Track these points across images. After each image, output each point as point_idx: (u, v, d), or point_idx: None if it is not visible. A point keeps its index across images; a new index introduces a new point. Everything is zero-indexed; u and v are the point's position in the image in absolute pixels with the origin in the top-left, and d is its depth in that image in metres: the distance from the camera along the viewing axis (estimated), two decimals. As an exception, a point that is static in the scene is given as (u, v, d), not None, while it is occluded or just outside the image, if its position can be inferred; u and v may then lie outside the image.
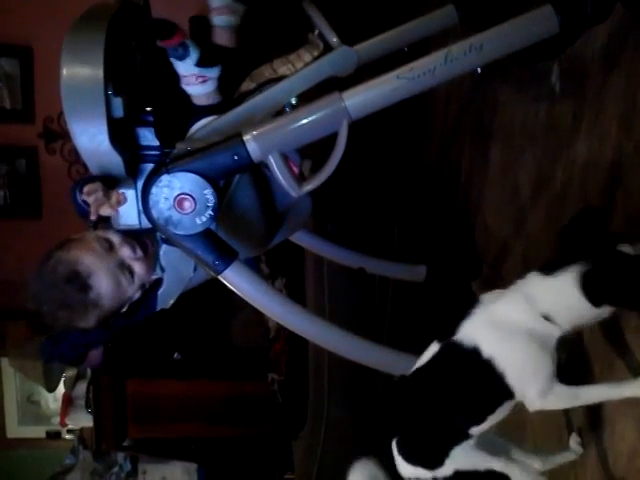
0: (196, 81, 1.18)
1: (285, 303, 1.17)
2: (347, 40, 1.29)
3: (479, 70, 1.07)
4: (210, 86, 1.21)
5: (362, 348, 1.19)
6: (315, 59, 1.28)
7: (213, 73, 1.19)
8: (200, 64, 1.17)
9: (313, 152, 1.21)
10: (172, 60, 1.18)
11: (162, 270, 1.26)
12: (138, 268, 1.18)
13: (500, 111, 1.58)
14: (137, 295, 1.22)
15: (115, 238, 1.16)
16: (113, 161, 1.01)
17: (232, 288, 1.15)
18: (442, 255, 1.72)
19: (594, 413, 1.12)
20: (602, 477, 1.11)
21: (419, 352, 1.18)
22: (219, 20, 1.22)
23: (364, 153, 1.39)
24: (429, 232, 1.84)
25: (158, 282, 1.29)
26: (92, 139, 0.97)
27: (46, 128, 3.18)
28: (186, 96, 1.24)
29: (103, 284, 1.14)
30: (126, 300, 1.21)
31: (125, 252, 1.16)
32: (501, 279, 1.53)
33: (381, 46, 1.34)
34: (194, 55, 1.16)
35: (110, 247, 1.15)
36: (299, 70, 1.24)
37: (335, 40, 1.24)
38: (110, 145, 0.97)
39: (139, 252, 1.17)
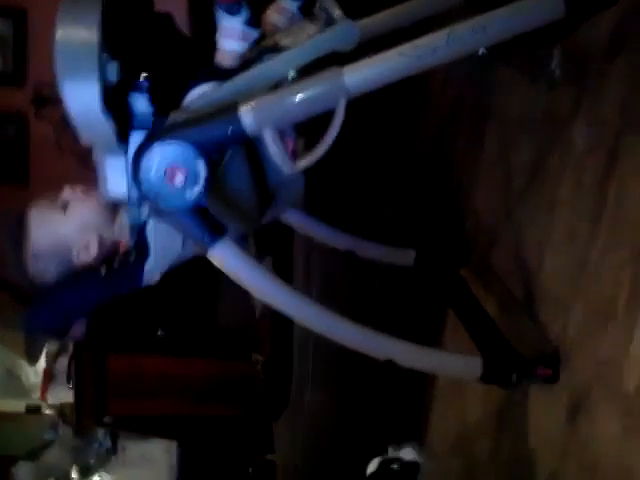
0: (238, 37, 1.17)
1: (274, 283, 1.16)
2: (351, 15, 1.27)
3: (484, 51, 1.05)
4: (245, 46, 1.20)
5: (350, 331, 1.18)
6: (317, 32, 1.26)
7: (254, 34, 1.19)
8: (249, 23, 1.17)
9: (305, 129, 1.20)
10: (219, 13, 1.17)
11: (141, 241, 1.23)
12: (77, 203, 1.20)
13: (498, 94, 1.57)
14: (81, 244, 1.22)
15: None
16: (104, 127, 0.98)
17: (219, 266, 1.14)
18: (431, 239, 1.72)
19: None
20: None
21: (405, 336, 1.18)
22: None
23: (356, 132, 1.37)
24: (419, 215, 1.83)
25: (144, 256, 1.26)
26: (84, 103, 0.95)
27: (37, 93, 3.12)
28: (186, 61, 1.22)
29: (33, 217, 1.19)
30: (61, 242, 1.20)
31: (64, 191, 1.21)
32: (490, 266, 1.52)
33: (384, 23, 1.32)
34: (244, 14, 1.16)
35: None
36: (301, 43, 1.22)
37: (338, 13, 1.22)
38: (102, 110, 0.95)
39: (79, 189, 1.22)
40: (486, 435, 1.49)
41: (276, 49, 1.22)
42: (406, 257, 1.66)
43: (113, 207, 1.24)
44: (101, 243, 1.24)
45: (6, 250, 1.21)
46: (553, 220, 1.27)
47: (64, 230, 1.20)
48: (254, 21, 1.19)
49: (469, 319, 1.40)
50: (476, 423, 1.53)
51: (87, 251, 1.23)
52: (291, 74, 1.16)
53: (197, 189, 1.04)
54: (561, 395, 1.20)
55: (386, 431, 1.91)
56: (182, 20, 1.34)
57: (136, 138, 1.07)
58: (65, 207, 1.21)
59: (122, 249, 1.27)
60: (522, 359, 1.22)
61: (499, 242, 1.49)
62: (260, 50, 1.23)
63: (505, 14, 1.04)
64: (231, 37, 1.18)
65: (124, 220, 1.24)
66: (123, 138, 1.06)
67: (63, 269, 1.23)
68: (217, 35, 1.19)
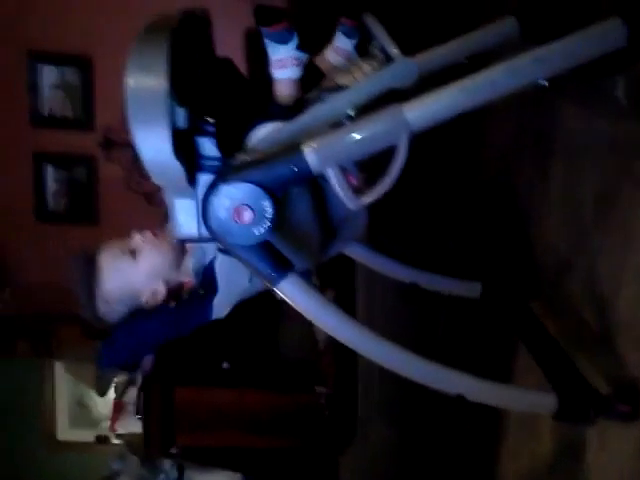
0: (292, 64, 1.20)
1: (340, 317, 1.16)
2: (406, 52, 1.28)
3: (546, 83, 1.04)
4: (299, 71, 1.23)
5: (416, 365, 1.17)
6: (374, 71, 1.27)
7: (305, 57, 1.22)
8: (299, 47, 1.20)
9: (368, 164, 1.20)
10: (270, 45, 1.20)
11: (210, 277, 1.26)
12: (146, 251, 1.25)
13: (561, 125, 1.54)
14: (153, 290, 1.27)
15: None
16: (175, 171, 1.02)
17: (287, 300, 1.15)
18: (498, 272, 1.69)
19: None
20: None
21: (472, 371, 1.16)
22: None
23: (420, 166, 1.37)
24: (485, 248, 1.80)
25: (212, 292, 1.29)
26: (155, 149, 0.98)
27: (105, 137, 3.27)
28: (248, 103, 1.25)
29: (104, 260, 1.24)
30: (131, 288, 1.25)
31: (134, 238, 1.26)
32: (562, 299, 1.48)
33: (440, 58, 1.32)
34: (295, 38, 1.19)
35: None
36: (359, 81, 1.24)
37: (395, 51, 1.23)
38: (173, 155, 0.98)
39: (149, 235, 1.26)
40: (559, 473, 1.43)
41: (335, 89, 1.25)
42: (473, 290, 1.63)
43: (180, 250, 1.29)
44: (168, 287, 1.29)
45: (78, 290, 1.27)
46: (628, 250, 1.23)
47: (134, 277, 1.26)
48: (304, 42, 1.21)
49: (541, 353, 1.36)
50: (548, 460, 1.48)
51: (155, 297, 1.28)
52: (350, 112, 1.18)
53: (264, 226, 1.06)
54: (641, 433, 1.14)
55: (454, 469, 1.86)
56: (240, 63, 1.38)
57: (204, 180, 1.10)
58: (134, 253, 1.26)
59: (186, 288, 1.31)
60: (599, 395, 1.17)
61: (571, 273, 1.45)
62: (321, 90, 1.25)
63: (566, 44, 1.03)
64: (285, 66, 1.21)
65: (189, 262, 1.28)
66: (191, 180, 1.09)
67: (132, 310, 1.29)
68: (270, 68, 1.22)
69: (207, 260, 1.28)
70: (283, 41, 1.18)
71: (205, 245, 1.28)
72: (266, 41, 1.20)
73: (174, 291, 1.31)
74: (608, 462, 1.24)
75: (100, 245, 1.29)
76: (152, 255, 1.27)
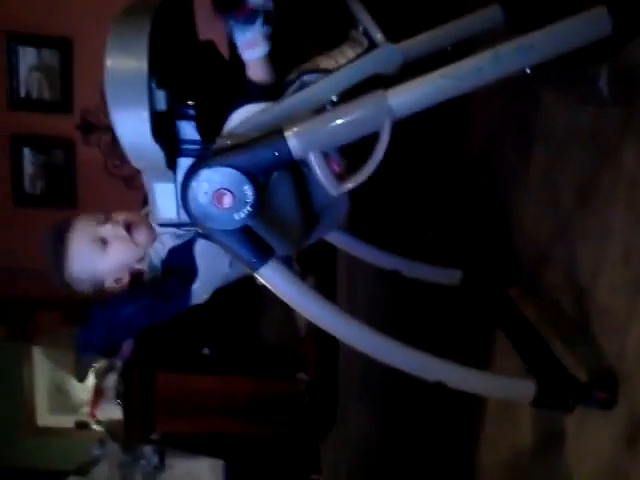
0: (262, 41, 1.15)
1: (321, 303, 1.16)
2: (391, 38, 1.27)
3: (529, 71, 1.04)
4: (269, 44, 1.18)
5: (396, 352, 1.17)
6: (358, 56, 1.26)
7: (270, 29, 1.17)
8: (265, 21, 1.15)
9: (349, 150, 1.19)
10: (238, 29, 1.16)
11: (190, 262, 1.26)
12: (116, 246, 1.26)
13: (543, 113, 1.54)
14: (112, 277, 1.29)
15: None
16: (154, 154, 1.00)
17: (268, 285, 1.14)
18: (478, 259, 1.69)
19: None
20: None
21: (451, 358, 1.16)
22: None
23: (400, 153, 1.37)
24: (465, 235, 1.81)
25: (192, 276, 1.28)
26: (134, 132, 0.97)
27: (84, 120, 3.22)
28: (229, 86, 1.23)
29: (74, 242, 1.25)
30: (96, 274, 1.27)
31: (106, 227, 1.26)
32: (541, 286, 1.49)
33: (425, 45, 1.31)
34: (260, 15, 1.15)
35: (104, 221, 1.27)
36: (342, 66, 1.23)
37: (380, 37, 1.22)
38: (152, 138, 0.97)
39: (121, 231, 1.26)
40: (539, 461, 1.45)
41: (316, 71, 1.23)
42: (452, 277, 1.63)
43: (150, 241, 1.30)
44: (131, 274, 1.31)
45: (47, 260, 1.28)
46: (607, 238, 1.24)
47: (100, 266, 1.27)
48: (268, 18, 1.17)
49: (520, 340, 1.37)
50: (528, 448, 1.49)
51: (118, 284, 1.31)
52: (333, 97, 1.17)
53: (245, 211, 1.05)
54: (619, 420, 1.16)
55: (434, 457, 1.88)
56: (223, 46, 1.35)
57: (184, 164, 1.09)
58: (105, 242, 1.26)
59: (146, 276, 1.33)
60: (577, 382, 1.18)
61: (550, 261, 1.46)
62: (300, 71, 1.24)
63: (550, 33, 1.03)
64: (256, 44, 1.17)
65: (152, 255, 1.30)
66: (171, 164, 1.08)
67: (95, 288, 1.31)
68: (240, 51, 1.19)
69: (164, 254, 1.29)
70: (251, 22, 1.15)
71: (164, 238, 1.29)
72: (233, 27, 1.16)
73: (134, 276, 1.32)
74: (587, 449, 1.25)
75: (73, 220, 1.29)
76: (121, 251, 1.27)
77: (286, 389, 2.71)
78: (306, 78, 1.23)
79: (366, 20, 1.25)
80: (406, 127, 1.08)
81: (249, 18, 1.13)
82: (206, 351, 3.05)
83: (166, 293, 1.27)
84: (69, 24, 3.12)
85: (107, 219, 1.27)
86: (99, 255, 1.26)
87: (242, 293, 1.79)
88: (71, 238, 1.26)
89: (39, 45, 3.17)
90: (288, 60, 1.27)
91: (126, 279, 1.31)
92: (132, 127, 0.97)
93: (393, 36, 1.27)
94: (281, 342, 2.80)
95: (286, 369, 2.66)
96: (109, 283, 1.30)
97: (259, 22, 1.14)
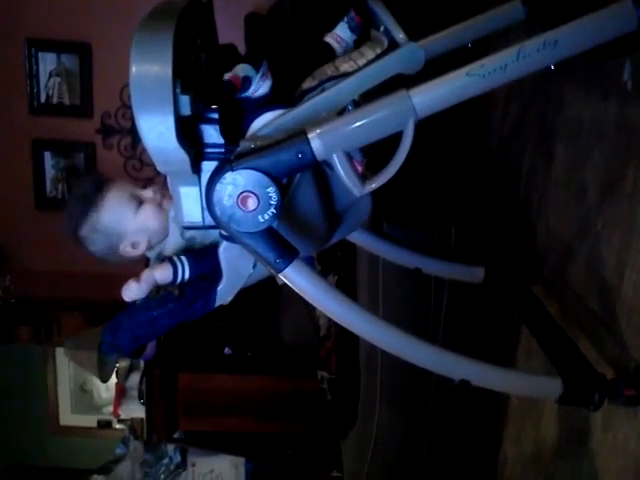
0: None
1: (345, 302, 1.16)
2: (411, 36, 1.27)
3: (552, 67, 1.03)
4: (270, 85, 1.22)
5: (419, 349, 1.17)
6: (378, 56, 1.26)
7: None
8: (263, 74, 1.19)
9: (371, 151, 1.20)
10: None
11: (215, 264, 1.27)
12: (149, 209, 1.29)
13: (565, 109, 1.53)
14: (135, 248, 1.31)
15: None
16: (179, 159, 1.01)
17: (292, 286, 1.15)
18: (501, 257, 1.68)
19: None
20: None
21: (475, 356, 1.16)
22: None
23: (421, 151, 1.37)
24: (488, 232, 1.80)
25: (216, 278, 1.30)
26: (160, 137, 0.97)
27: (104, 124, 3.25)
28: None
29: (111, 194, 1.28)
30: (119, 230, 1.29)
31: (147, 192, 1.31)
32: (565, 283, 1.48)
33: (446, 42, 1.31)
34: (262, 67, 1.19)
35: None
36: (362, 67, 1.23)
37: (402, 36, 1.22)
38: (177, 143, 0.98)
39: (159, 197, 1.31)
40: (563, 460, 1.44)
41: (337, 77, 1.23)
42: (475, 274, 1.63)
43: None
44: (148, 247, 1.33)
45: (72, 210, 1.30)
46: (632, 234, 1.23)
47: (126, 224, 1.29)
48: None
49: (545, 337, 1.36)
50: (552, 447, 1.48)
51: (134, 248, 1.32)
52: (356, 97, 1.17)
53: (269, 213, 1.06)
54: (647, 417, 1.15)
55: (457, 453, 1.88)
56: (242, 50, 1.36)
57: (208, 167, 1.10)
58: (140, 203, 1.30)
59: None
60: (604, 379, 1.18)
61: (574, 257, 1.45)
62: (320, 80, 1.24)
63: (576, 28, 1.02)
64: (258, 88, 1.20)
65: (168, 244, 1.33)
66: (196, 168, 1.09)
67: (106, 250, 1.32)
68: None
69: (165, 251, 1.32)
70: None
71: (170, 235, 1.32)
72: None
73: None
74: (614, 446, 1.25)
75: (113, 178, 1.34)
76: (151, 215, 1.30)
77: (307, 387, 2.71)
78: (327, 85, 1.23)
79: (388, 20, 1.25)
80: (427, 125, 1.08)
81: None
82: (227, 350, 3.07)
83: (192, 296, 1.29)
84: (88, 29, 3.14)
85: (146, 186, 1.33)
86: (132, 212, 1.29)
87: (262, 293, 1.80)
88: (112, 189, 1.29)
89: (59, 50, 3.20)
90: (303, 65, 1.27)
91: (143, 247, 1.32)
92: (158, 132, 0.97)
93: (413, 35, 1.27)
94: (302, 341, 2.80)
95: (307, 367, 2.66)
96: (125, 246, 1.31)
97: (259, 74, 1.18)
